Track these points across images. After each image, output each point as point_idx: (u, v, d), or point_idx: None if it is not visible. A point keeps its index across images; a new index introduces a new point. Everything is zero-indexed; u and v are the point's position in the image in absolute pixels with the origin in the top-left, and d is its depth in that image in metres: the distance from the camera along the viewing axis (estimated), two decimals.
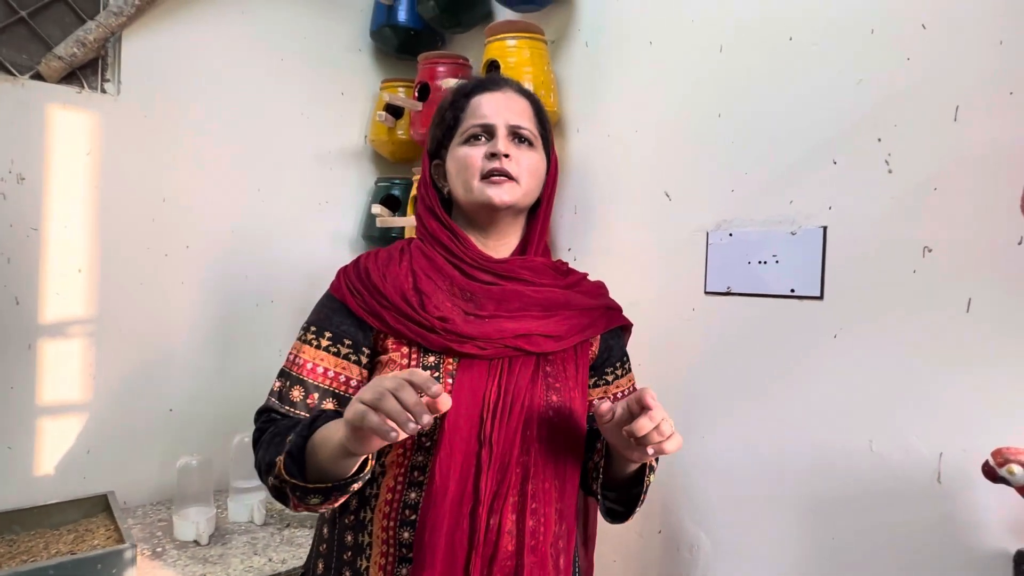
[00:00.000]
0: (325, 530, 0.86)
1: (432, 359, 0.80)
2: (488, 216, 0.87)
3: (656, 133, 1.24)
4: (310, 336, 0.83)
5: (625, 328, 0.98)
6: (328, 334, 0.82)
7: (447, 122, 0.90)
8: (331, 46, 1.73)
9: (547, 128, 0.93)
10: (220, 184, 1.56)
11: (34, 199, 1.32)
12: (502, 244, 0.91)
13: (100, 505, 1.33)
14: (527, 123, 0.88)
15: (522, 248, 0.92)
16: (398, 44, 1.70)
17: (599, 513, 0.96)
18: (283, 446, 0.71)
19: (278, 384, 0.82)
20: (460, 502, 0.75)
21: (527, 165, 0.86)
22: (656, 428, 0.68)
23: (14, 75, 1.31)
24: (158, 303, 1.48)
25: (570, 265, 0.97)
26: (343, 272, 0.87)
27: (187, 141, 1.50)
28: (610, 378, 0.94)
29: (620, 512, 0.87)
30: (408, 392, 0.60)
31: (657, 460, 0.88)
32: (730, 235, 1.11)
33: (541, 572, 0.79)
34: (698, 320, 1.15)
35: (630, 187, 1.28)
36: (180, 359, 1.52)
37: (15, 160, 1.30)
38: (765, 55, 1.07)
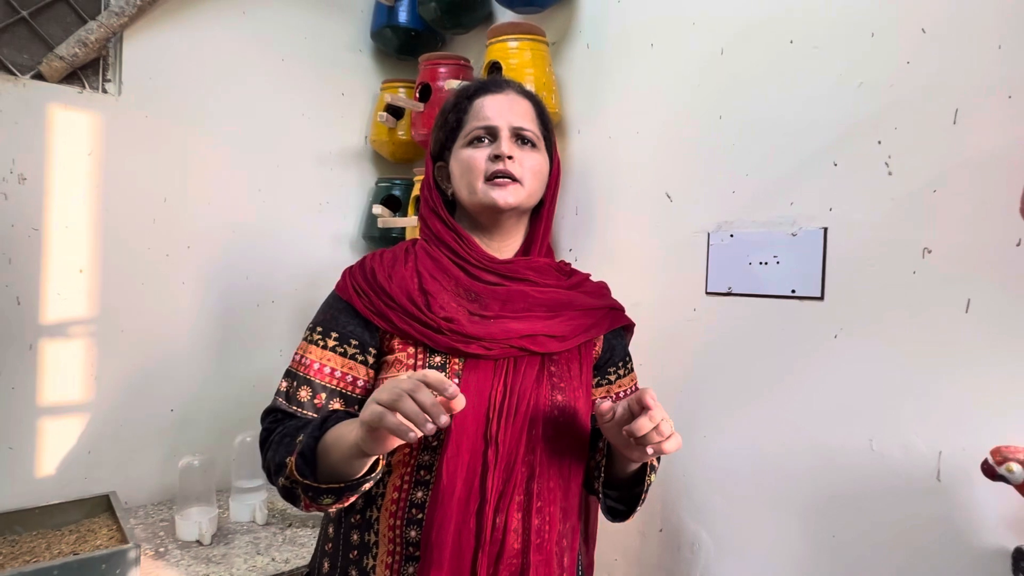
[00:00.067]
0: (331, 529, 0.87)
1: (438, 359, 0.81)
2: (492, 218, 0.88)
3: (657, 134, 1.25)
4: (316, 336, 0.84)
5: (627, 328, 0.98)
6: (335, 334, 0.83)
7: (450, 124, 0.90)
8: (332, 47, 1.73)
9: (549, 129, 0.93)
10: (221, 184, 1.56)
11: (35, 199, 1.32)
12: (506, 245, 0.91)
13: (102, 505, 1.33)
14: (530, 124, 0.89)
15: (525, 249, 0.93)
16: (399, 45, 1.71)
17: (600, 512, 0.97)
18: (293, 447, 0.72)
19: (285, 384, 0.82)
20: (467, 500, 0.76)
21: (530, 166, 0.87)
22: (656, 428, 0.69)
23: (15, 75, 1.31)
24: (159, 303, 1.48)
25: (572, 266, 0.98)
26: (348, 273, 0.87)
27: (188, 141, 1.50)
28: (612, 378, 0.94)
29: (621, 511, 0.88)
30: (425, 393, 0.61)
31: (658, 460, 0.89)
32: (731, 236, 1.11)
33: (546, 570, 0.80)
34: (699, 320, 1.16)
35: (631, 188, 1.29)
36: (181, 359, 1.52)
37: (16, 160, 1.30)
38: (766, 58, 1.08)
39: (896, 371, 0.92)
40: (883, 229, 0.93)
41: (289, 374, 0.83)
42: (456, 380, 0.79)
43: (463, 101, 0.90)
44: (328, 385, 0.81)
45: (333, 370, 0.81)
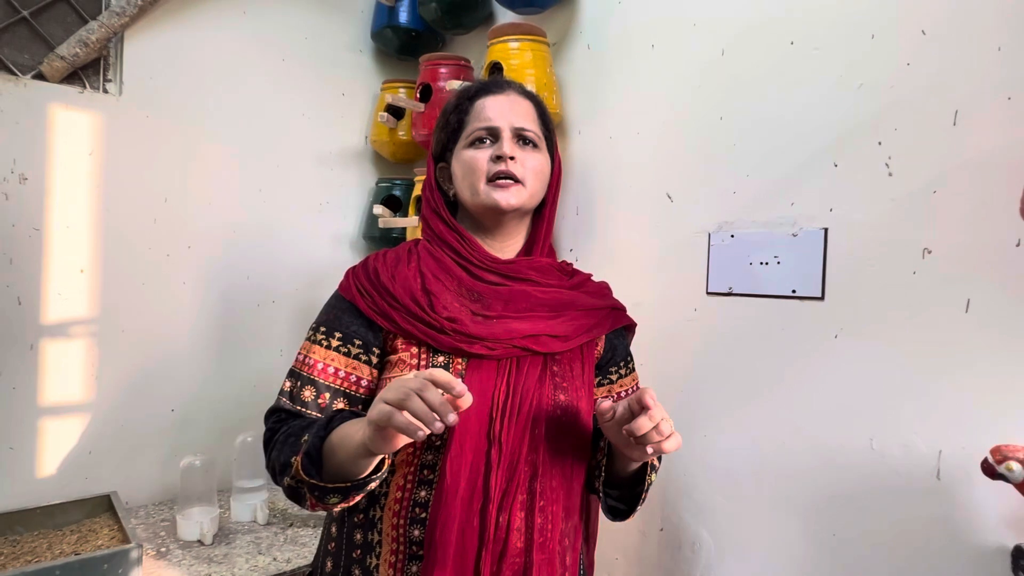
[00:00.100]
0: (333, 528, 0.87)
1: (441, 359, 0.81)
2: (494, 218, 0.88)
3: (658, 135, 1.25)
4: (320, 336, 0.84)
5: (629, 328, 0.99)
6: (338, 334, 0.83)
7: (451, 125, 0.90)
8: (332, 47, 1.74)
9: (551, 129, 0.94)
10: (222, 184, 1.56)
11: (36, 199, 1.32)
12: (508, 245, 0.92)
13: (103, 505, 1.33)
14: (531, 125, 0.89)
15: (527, 249, 0.93)
16: (399, 45, 1.71)
17: (601, 511, 0.97)
18: (299, 447, 0.72)
19: (288, 384, 0.83)
20: (470, 499, 0.76)
21: (532, 166, 0.87)
22: (655, 427, 0.69)
23: (16, 75, 1.31)
24: (160, 303, 1.48)
25: (574, 266, 0.98)
26: (352, 273, 0.88)
27: (189, 141, 1.50)
28: (614, 377, 0.95)
29: (622, 510, 0.89)
30: (433, 392, 0.61)
31: (659, 459, 0.90)
32: (732, 236, 1.12)
33: (549, 569, 0.80)
34: (700, 320, 1.17)
35: (632, 189, 1.29)
36: (182, 359, 1.52)
37: (17, 160, 1.29)
38: (767, 59, 1.08)
39: (896, 371, 0.92)
40: (883, 229, 0.94)
41: (293, 374, 0.83)
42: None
43: (464, 102, 0.90)
44: (332, 385, 0.81)
45: (337, 370, 0.81)
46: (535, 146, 0.89)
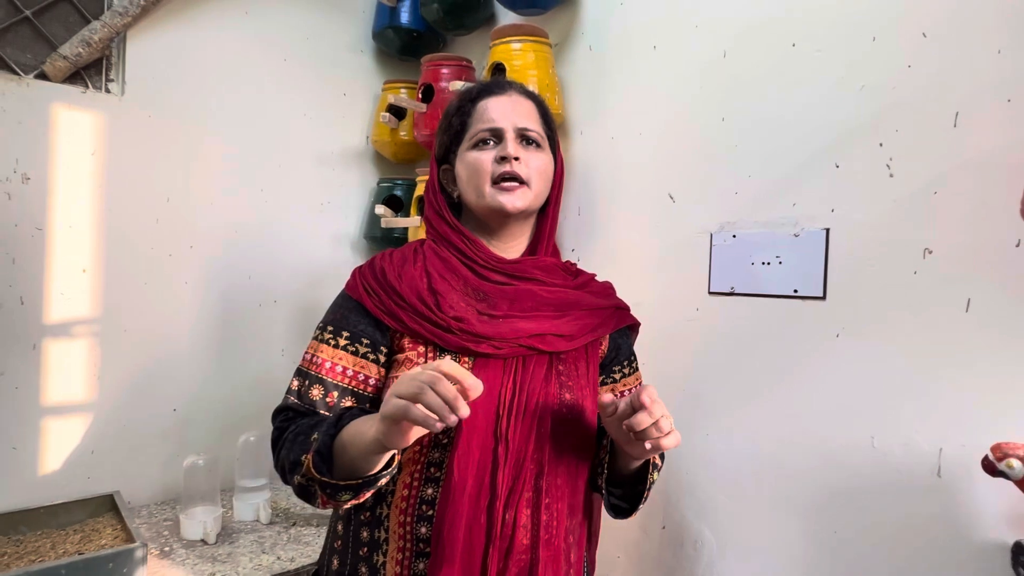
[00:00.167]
0: (339, 526, 0.87)
1: (448, 358, 0.81)
2: (500, 220, 0.89)
3: (660, 136, 1.26)
4: (327, 335, 0.84)
5: (633, 327, 1.00)
6: (346, 333, 0.83)
7: (454, 127, 0.91)
8: (333, 47, 1.74)
9: (552, 128, 0.94)
10: (223, 184, 1.56)
11: (39, 199, 1.32)
12: (512, 246, 0.92)
13: (106, 505, 1.33)
14: (534, 125, 0.90)
15: (532, 248, 0.94)
16: (400, 46, 1.71)
17: (603, 510, 0.98)
18: (308, 445, 0.72)
19: (296, 383, 0.83)
20: (478, 496, 0.77)
21: (536, 166, 0.88)
22: (655, 424, 0.70)
23: (19, 74, 1.31)
24: (162, 303, 1.48)
25: (577, 266, 0.99)
26: (359, 272, 0.88)
27: (190, 141, 1.50)
28: (618, 376, 0.95)
29: (624, 508, 0.89)
30: (445, 384, 0.62)
31: (661, 458, 0.90)
32: (734, 236, 1.13)
33: (555, 566, 0.81)
34: (702, 320, 1.18)
35: (634, 189, 1.30)
36: (183, 359, 1.52)
37: (20, 160, 1.29)
38: (768, 60, 1.09)
39: (897, 370, 0.93)
40: (884, 230, 0.95)
41: (300, 373, 0.84)
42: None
43: (466, 104, 0.91)
44: (340, 384, 0.82)
45: (345, 368, 0.82)
46: (538, 146, 0.89)
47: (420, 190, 1.59)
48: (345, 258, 1.78)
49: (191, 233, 1.51)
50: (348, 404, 0.82)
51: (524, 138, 0.88)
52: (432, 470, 0.80)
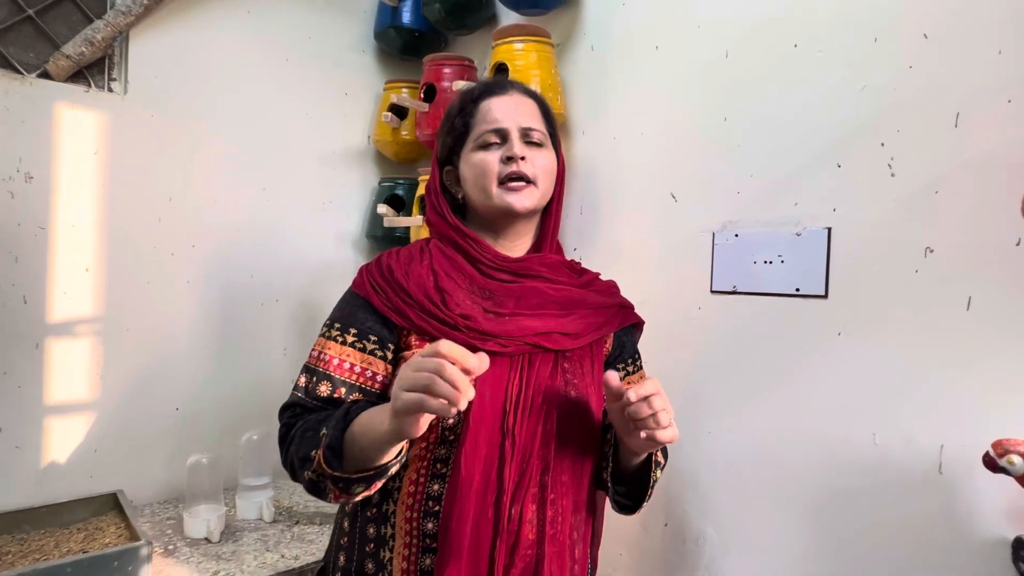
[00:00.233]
0: (346, 523, 0.88)
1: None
2: (506, 220, 0.89)
3: (662, 136, 1.27)
4: (335, 332, 0.85)
5: (637, 326, 1.00)
6: (353, 330, 0.84)
7: (457, 129, 0.91)
8: (335, 47, 1.74)
9: (554, 126, 0.95)
10: (225, 183, 1.56)
11: (42, 198, 1.32)
12: (518, 244, 0.93)
13: (109, 504, 1.33)
14: (537, 124, 0.90)
15: (536, 246, 0.94)
16: (402, 45, 1.72)
17: (606, 509, 0.99)
18: (318, 440, 0.73)
19: (304, 380, 0.83)
20: (485, 492, 0.78)
21: (542, 165, 0.89)
22: (653, 415, 0.71)
23: (22, 73, 1.31)
24: (165, 302, 1.48)
25: (582, 265, 0.99)
26: (366, 270, 0.88)
27: (193, 140, 1.50)
28: (622, 374, 0.96)
29: (627, 505, 0.90)
30: (451, 370, 0.61)
31: (664, 457, 0.91)
32: (736, 235, 1.14)
33: (560, 561, 0.82)
34: (704, 318, 1.19)
35: (636, 189, 1.31)
36: (186, 358, 1.52)
37: (23, 159, 1.29)
38: (770, 61, 1.10)
39: (898, 368, 0.94)
40: (886, 229, 0.96)
41: (308, 370, 0.84)
42: (473, 376, 0.81)
43: (468, 104, 0.91)
44: (347, 380, 0.82)
45: (352, 365, 0.82)
46: (542, 145, 0.90)
47: (422, 189, 1.59)
48: (347, 257, 1.78)
49: (193, 232, 1.52)
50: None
51: (528, 137, 0.89)
52: (438, 466, 0.81)
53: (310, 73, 1.69)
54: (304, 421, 0.79)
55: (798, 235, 1.05)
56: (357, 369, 0.82)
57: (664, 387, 0.74)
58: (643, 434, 0.72)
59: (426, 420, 0.66)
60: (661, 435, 0.72)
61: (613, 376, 0.75)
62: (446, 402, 0.61)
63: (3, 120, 1.27)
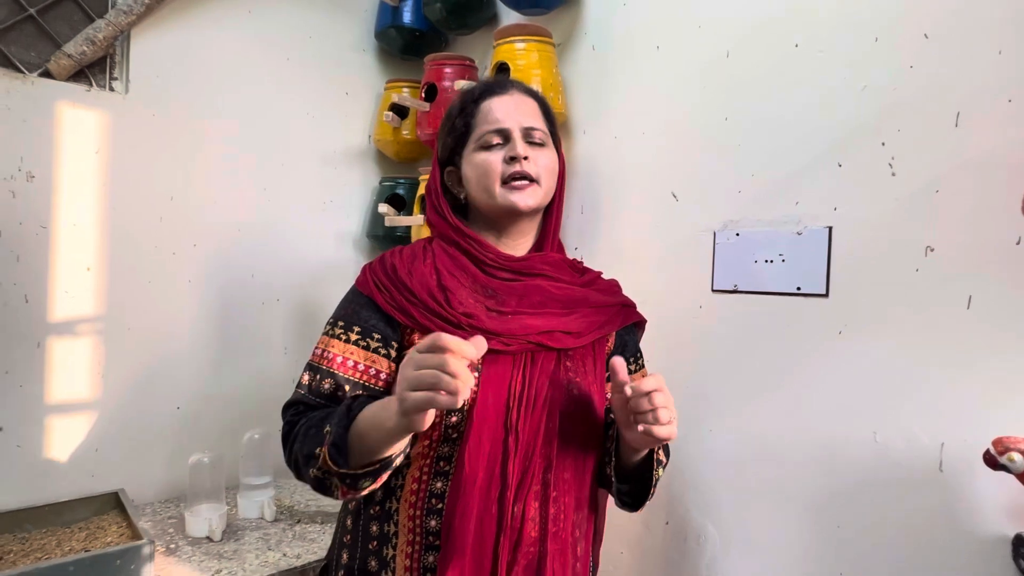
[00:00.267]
0: (349, 521, 0.88)
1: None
2: (510, 219, 0.90)
3: (663, 135, 1.27)
4: (338, 331, 0.85)
5: (639, 324, 1.01)
6: (357, 328, 0.84)
7: (458, 130, 0.91)
8: (336, 47, 1.75)
9: (554, 125, 0.95)
10: (227, 183, 1.56)
11: (43, 197, 1.32)
12: (521, 243, 0.94)
13: (111, 503, 1.33)
14: (538, 123, 0.91)
15: (538, 245, 0.95)
16: (403, 45, 1.72)
17: (607, 508, 0.99)
18: (322, 438, 0.73)
19: (307, 377, 0.84)
20: (488, 488, 0.78)
21: (544, 164, 0.89)
22: (652, 410, 0.72)
23: (23, 73, 1.31)
24: (166, 301, 1.48)
25: (584, 264, 1.00)
26: (369, 269, 0.89)
27: (194, 140, 1.51)
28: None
29: (629, 503, 0.91)
30: (456, 364, 0.62)
31: (667, 455, 0.92)
32: (737, 235, 1.14)
33: (562, 558, 0.82)
34: (705, 317, 1.19)
35: (637, 188, 1.31)
36: (187, 357, 1.52)
37: (24, 158, 1.29)
38: (771, 61, 1.10)
39: (899, 366, 0.94)
40: (887, 228, 0.96)
41: (311, 367, 0.84)
42: (476, 374, 0.81)
43: (469, 105, 0.91)
44: (351, 378, 0.82)
45: (356, 363, 0.83)
46: (544, 144, 0.90)
47: (423, 189, 1.59)
48: (348, 256, 1.79)
49: (194, 231, 1.52)
50: None
51: (530, 137, 0.89)
52: (441, 464, 0.81)
53: (311, 72, 1.69)
54: (307, 419, 0.80)
55: (799, 234, 1.06)
56: (361, 367, 0.83)
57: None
58: (640, 427, 0.73)
59: (432, 412, 0.66)
60: (658, 431, 0.73)
61: (621, 364, 0.76)
62: (454, 396, 0.62)
63: (5, 119, 1.27)
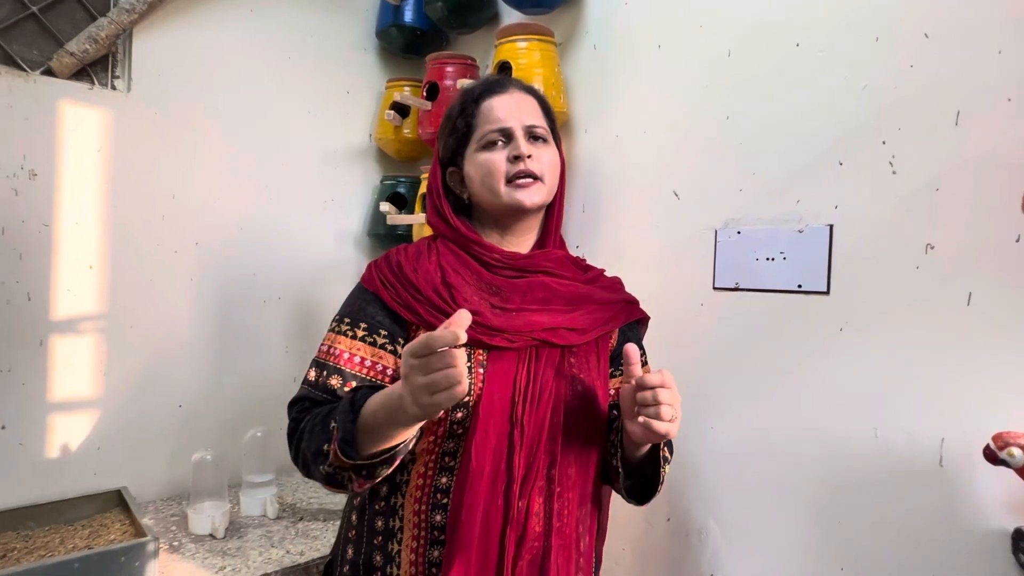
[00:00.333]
0: (354, 517, 0.89)
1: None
2: (515, 217, 0.90)
3: (664, 134, 1.28)
4: (344, 327, 0.85)
5: (642, 321, 1.02)
6: (363, 325, 0.85)
7: (460, 130, 0.91)
8: (337, 45, 1.75)
9: (554, 122, 0.95)
10: (228, 181, 1.57)
11: (46, 195, 1.32)
12: (525, 240, 0.94)
13: (114, 500, 1.33)
14: (539, 120, 0.91)
15: (541, 242, 0.96)
16: (404, 44, 1.72)
17: (610, 505, 1.00)
18: (329, 434, 0.73)
19: (313, 374, 0.84)
20: (494, 481, 0.79)
21: (548, 161, 0.90)
22: (656, 405, 0.73)
23: (26, 71, 1.31)
24: (168, 299, 1.48)
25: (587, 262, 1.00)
26: (375, 266, 0.89)
27: (196, 138, 1.51)
28: (624, 368, 0.97)
29: (635, 497, 0.91)
30: (454, 358, 0.63)
31: (670, 451, 0.92)
32: (738, 233, 1.15)
33: (566, 553, 0.83)
34: (707, 315, 1.20)
35: (638, 187, 1.32)
36: (189, 355, 1.52)
37: (27, 156, 1.30)
38: (772, 60, 1.11)
39: (899, 363, 0.95)
40: (887, 226, 0.97)
41: (317, 364, 0.85)
42: (481, 370, 0.82)
43: (469, 105, 0.91)
44: (358, 374, 0.83)
45: (363, 359, 0.83)
46: (545, 141, 0.91)
47: (424, 187, 1.60)
48: (349, 255, 1.79)
49: (196, 230, 1.52)
50: None
51: (532, 135, 0.89)
52: (446, 459, 0.82)
53: (312, 71, 1.70)
54: (311, 416, 0.80)
55: (800, 232, 1.06)
56: (368, 363, 0.83)
57: None
58: (640, 419, 0.74)
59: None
60: (657, 426, 0.73)
61: (634, 353, 0.76)
62: (457, 393, 0.63)
63: (7, 117, 1.27)
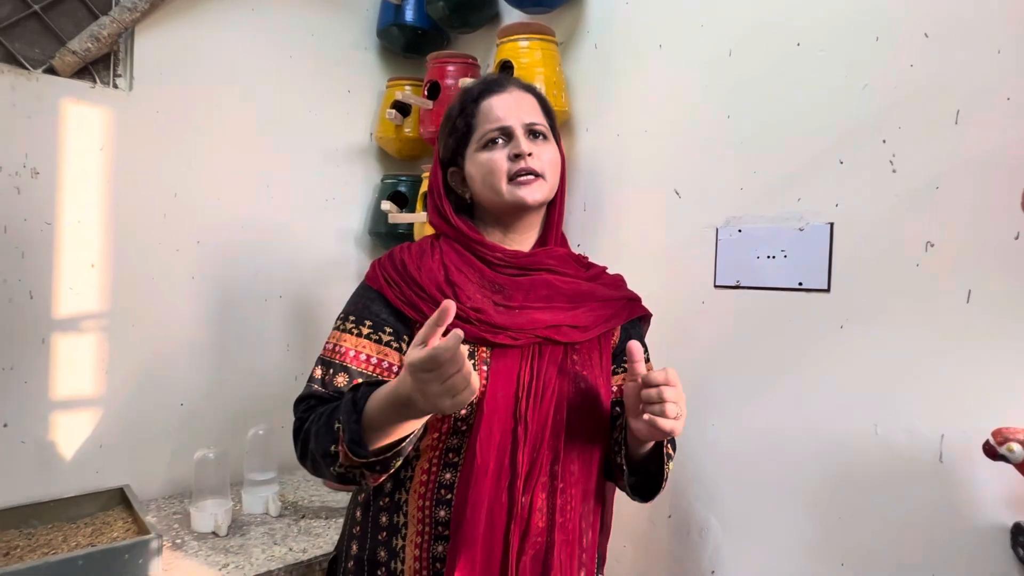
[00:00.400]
0: (358, 513, 0.89)
1: (466, 348, 0.83)
2: (517, 215, 0.91)
3: (666, 133, 1.28)
4: (349, 325, 0.86)
5: (644, 318, 1.02)
6: (368, 322, 0.85)
7: (460, 130, 0.92)
8: (338, 45, 1.75)
9: (553, 119, 0.96)
10: (230, 180, 1.57)
11: (48, 193, 1.32)
12: (527, 237, 0.95)
13: (116, 498, 1.33)
14: (539, 118, 0.91)
15: (542, 239, 0.96)
16: (405, 43, 1.73)
17: (613, 503, 1.00)
18: (335, 434, 0.73)
19: (319, 371, 0.84)
20: (498, 477, 0.79)
21: (548, 159, 0.90)
22: (660, 403, 0.73)
23: (28, 69, 1.31)
24: (169, 298, 1.49)
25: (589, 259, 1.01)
26: (379, 264, 0.90)
27: (197, 137, 1.51)
28: (628, 366, 0.98)
29: (639, 494, 0.92)
30: (464, 361, 0.64)
31: (673, 448, 0.93)
32: (739, 231, 1.15)
33: (569, 549, 0.83)
34: (708, 312, 1.20)
35: (639, 185, 1.33)
36: (190, 353, 1.53)
37: (29, 154, 1.30)
38: (773, 60, 1.12)
39: (900, 359, 0.96)
40: (887, 224, 0.98)
41: (323, 362, 0.85)
42: (485, 367, 0.82)
43: (469, 105, 0.91)
44: (364, 371, 0.83)
45: (368, 357, 0.83)
46: (545, 138, 0.91)
47: (425, 186, 1.60)
48: (350, 254, 1.79)
49: (198, 228, 1.52)
50: None
51: (532, 132, 0.90)
52: (451, 455, 0.82)
53: (313, 70, 1.70)
54: (316, 415, 0.80)
55: (801, 230, 1.07)
56: (373, 360, 0.84)
57: None
58: (646, 416, 0.74)
59: None
60: (662, 423, 0.74)
61: (638, 350, 0.77)
62: (469, 395, 0.65)
63: (9, 116, 1.27)
